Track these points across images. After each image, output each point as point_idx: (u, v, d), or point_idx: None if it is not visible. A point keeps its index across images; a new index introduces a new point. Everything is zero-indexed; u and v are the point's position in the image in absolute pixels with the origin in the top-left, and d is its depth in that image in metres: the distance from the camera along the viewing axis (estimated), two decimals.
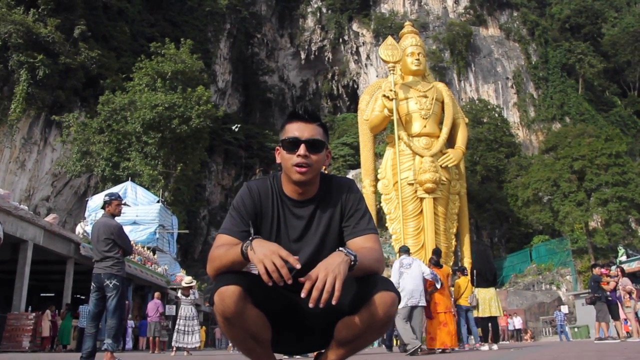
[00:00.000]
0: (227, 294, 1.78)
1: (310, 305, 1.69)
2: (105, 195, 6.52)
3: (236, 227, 2.00)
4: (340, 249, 1.82)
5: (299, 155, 1.96)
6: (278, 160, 2.06)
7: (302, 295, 1.71)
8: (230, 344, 18.05)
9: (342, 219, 2.07)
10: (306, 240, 2.06)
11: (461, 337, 12.37)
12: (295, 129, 1.99)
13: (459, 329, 12.24)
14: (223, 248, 1.92)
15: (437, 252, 11.44)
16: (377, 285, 1.87)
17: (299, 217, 2.05)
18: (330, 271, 1.71)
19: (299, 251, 2.00)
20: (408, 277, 8.57)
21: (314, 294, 1.69)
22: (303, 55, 63.09)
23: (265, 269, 1.70)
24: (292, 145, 1.98)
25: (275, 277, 1.69)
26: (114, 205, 6.38)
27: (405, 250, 9.55)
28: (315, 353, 2.14)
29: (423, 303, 8.74)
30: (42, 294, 23.50)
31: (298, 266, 1.71)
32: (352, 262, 1.79)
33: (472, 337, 12.81)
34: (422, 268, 9.01)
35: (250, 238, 1.83)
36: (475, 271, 11.03)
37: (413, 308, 8.53)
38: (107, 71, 35.14)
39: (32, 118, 32.36)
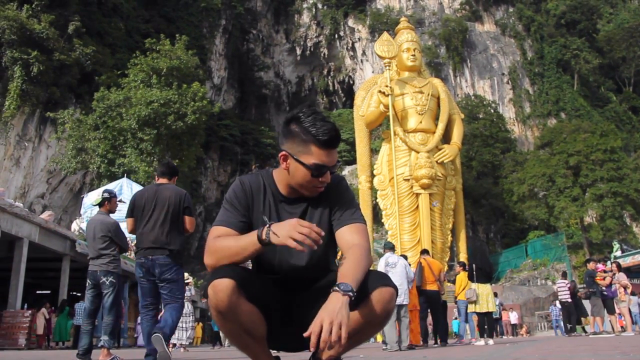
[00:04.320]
0: (221, 288, 1.78)
1: (312, 349, 1.70)
2: (104, 192, 6.48)
3: (233, 219, 2.01)
4: (336, 288, 1.76)
5: (322, 180, 1.99)
6: (284, 167, 2.02)
7: (311, 349, 1.70)
8: (222, 342, 18.11)
9: (331, 213, 2.08)
10: None
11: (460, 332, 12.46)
12: (325, 156, 1.96)
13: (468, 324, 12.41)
14: (230, 239, 1.92)
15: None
16: (375, 281, 1.88)
17: (291, 213, 2.05)
18: (334, 319, 1.66)
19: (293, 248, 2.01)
20: (393, 276, 8.68)
21: (321, 345, 1.66)
22: (299, 51, 62.94)
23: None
24: (319, 171, 1.97)
25: (309, 243, 1.76)
26: (113, 202, 6.40)
27: (390, 247, 9.73)
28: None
29: (406, 302, 9.12)
30: (37, 292, 23.45)
31: (322, 234, 1.81)
32: (352, 297, 1.75)
33: (468, 330, 12.88)
34: (407, 269, 9.30)
35: (268, 225, 1.84)
36: (474, 266, 11.16)
37: (400, 307, 8.75)
38: (102, 67, 35.00)
39: (26, 115, 32.20)
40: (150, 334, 4.71)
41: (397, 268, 8.93)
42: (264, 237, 1.82)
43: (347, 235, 2.00)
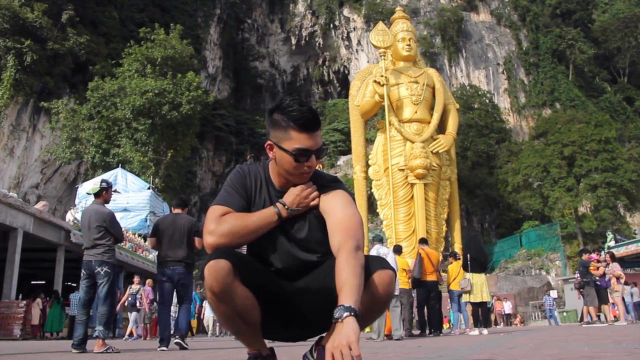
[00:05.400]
0: (216, 269, 1.79)
1: None
2: (102, 182, 6.48)
3: (235, 200, 2.02)
4: (335, 316, 1.67)
5: (307, 165, 1.99)
6: (272, 156, 2.04)
7: None
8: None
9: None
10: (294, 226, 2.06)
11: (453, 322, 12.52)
12: (305, 139, 1.96)
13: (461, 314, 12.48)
14: (239, 218, 1.96)
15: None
16: (374, 265, 1.89)
17: None
18: (342, 346, 1.57)
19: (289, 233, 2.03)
20: None
21: None
22: (294, 41, 62.66)
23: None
24: (302, 155, 1.97)
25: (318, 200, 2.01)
26: (109, 192, 6.42)
27: (379, 239, 9.89)
28: (316, 337, 2.14)
29: (396, 292, 9.24)
30: (32, 282, 23.40)
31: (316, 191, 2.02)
32: (354, 314, 1.66)
33: (463, 321, 12.95)
34: (395, 263, 9.46)
35: (282, 202, 1.99)
36: (469, 256, 11.17)
37: None
38: (96, 57, 34.76)
39: (20, 105, 31.99)
40: (165, 324, 6.71)
41: (388, 259, 9.02)
42: (284, 214, 1.97)
43: (332, 203, 1.99)
